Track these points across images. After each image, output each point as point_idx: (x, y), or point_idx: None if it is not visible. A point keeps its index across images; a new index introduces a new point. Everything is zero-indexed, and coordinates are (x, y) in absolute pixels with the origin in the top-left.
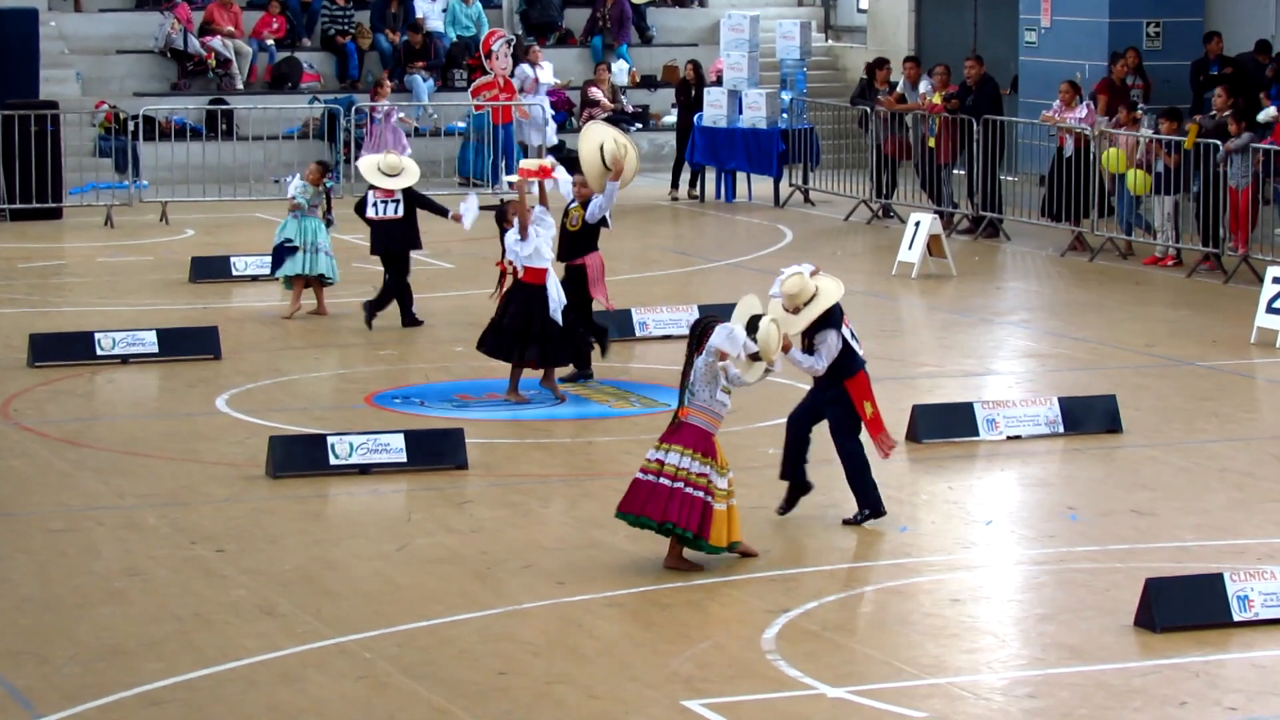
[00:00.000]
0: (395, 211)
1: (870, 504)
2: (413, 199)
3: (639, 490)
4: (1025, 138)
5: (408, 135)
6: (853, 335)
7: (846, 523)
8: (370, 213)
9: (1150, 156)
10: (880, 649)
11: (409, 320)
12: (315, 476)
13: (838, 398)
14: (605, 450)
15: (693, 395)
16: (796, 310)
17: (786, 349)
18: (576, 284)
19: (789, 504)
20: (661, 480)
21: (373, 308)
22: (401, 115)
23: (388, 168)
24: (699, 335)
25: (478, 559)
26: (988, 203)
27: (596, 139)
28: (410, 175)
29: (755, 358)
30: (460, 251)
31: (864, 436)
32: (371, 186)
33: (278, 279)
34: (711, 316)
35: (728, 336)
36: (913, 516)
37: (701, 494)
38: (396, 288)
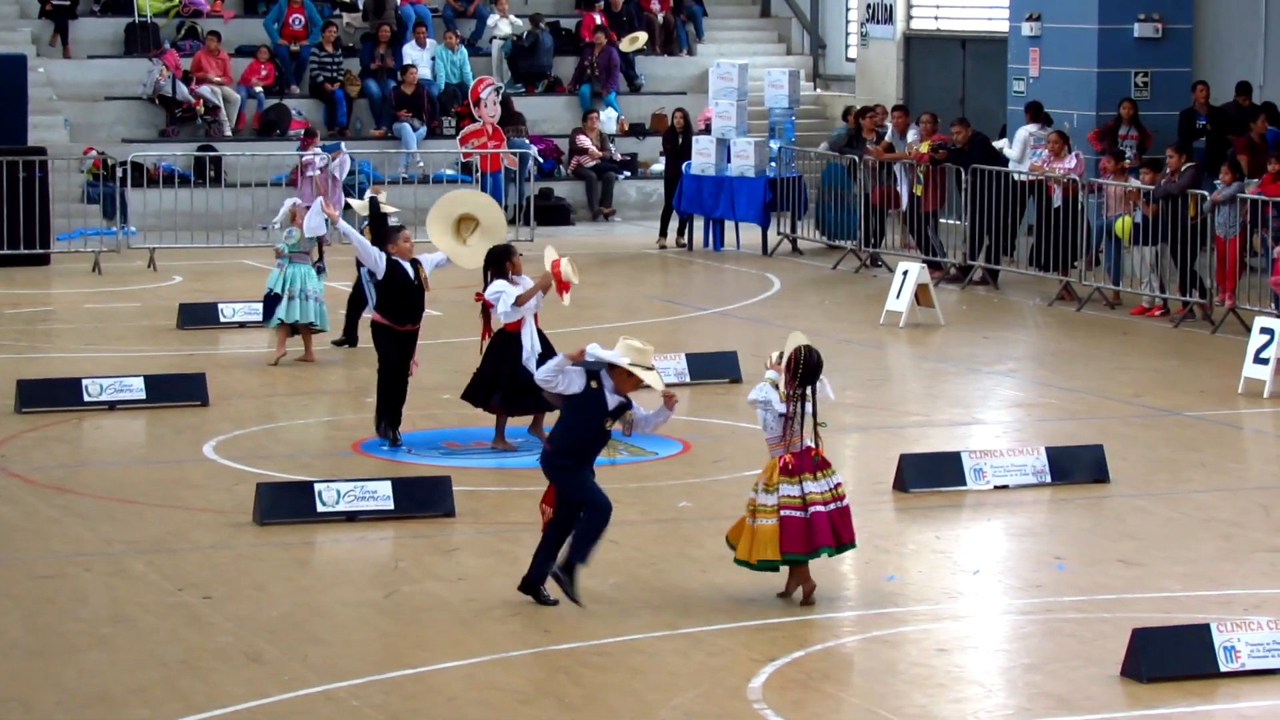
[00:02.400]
0: None
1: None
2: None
3: (819, 523)
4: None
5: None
6: None
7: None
8: None
9: (1131, 206)
10: (867, 698)
11: None
12: (302, 523)
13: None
14: None
15: (803, 427)
16: (650, 368)
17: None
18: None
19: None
20: (835, 506)
21: None
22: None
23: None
24: (814, 373)
25: (464, 606)
26: (976, 252)
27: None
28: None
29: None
30: (447, 300)
31: None
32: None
33: (269, 327)
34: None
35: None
36: (900, 566)
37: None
38: None
